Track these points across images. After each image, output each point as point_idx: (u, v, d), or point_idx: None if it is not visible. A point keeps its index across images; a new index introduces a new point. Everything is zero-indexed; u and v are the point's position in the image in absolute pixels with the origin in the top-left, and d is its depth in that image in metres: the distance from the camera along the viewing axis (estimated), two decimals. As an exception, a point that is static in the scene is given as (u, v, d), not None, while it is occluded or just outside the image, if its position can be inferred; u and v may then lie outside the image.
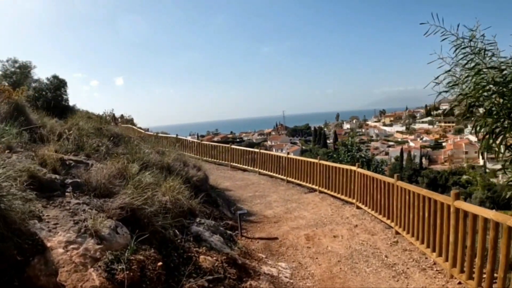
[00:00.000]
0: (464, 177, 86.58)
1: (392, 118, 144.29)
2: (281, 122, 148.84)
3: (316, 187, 12.85)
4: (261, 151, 17.19)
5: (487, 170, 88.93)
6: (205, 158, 20.79)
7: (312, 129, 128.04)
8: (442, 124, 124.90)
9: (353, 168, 10.64)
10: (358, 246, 7.73)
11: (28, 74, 32.69)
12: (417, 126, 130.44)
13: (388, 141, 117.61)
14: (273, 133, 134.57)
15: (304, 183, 13.76)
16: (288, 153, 15.34)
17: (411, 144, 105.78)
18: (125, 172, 6.84)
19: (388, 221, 8.63)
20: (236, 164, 18.80)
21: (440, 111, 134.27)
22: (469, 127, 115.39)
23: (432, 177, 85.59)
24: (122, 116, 44.36)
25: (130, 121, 39.63)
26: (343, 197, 11.29)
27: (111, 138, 11.23)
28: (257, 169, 17.24)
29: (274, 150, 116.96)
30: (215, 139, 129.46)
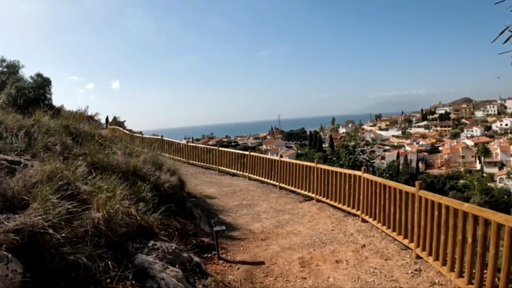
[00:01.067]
0: (461, 181, 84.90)
1: (388, 123, 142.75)
2: (276, 126, 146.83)
3: (313, 195, 10.97)
4: (251, 153, 15.28)
5: (484, 175, 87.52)
6: (192, 162, 18.92)
7: (308, 133, 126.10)
8: (438, 128, 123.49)
9: (358, 173, 8.77)
10: (369, 276, 5.81)
11: (16, 74, 30.87)
12: (413, 130, 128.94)
13: (384, 145, 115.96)
14: (269, 137, 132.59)
15: (299, 190, 11.87)
16: (280, 156, 13.43)
17: (408, 148, 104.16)
18: (61, 176, 4.97)
19: (406, 241, 6.74)
20: (224, 168, 16.89)
21: (436, 115, 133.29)
22: (465, 131, 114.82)
23: (429, 181, 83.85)
24: (114, 118, 42.43)
25: (119, 123, 37.73)
26: (345, 207, 9.40)
27: (75, 137, 9.38)
28: (246, 174, 15.34)
29: (269, 154, 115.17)
30: (210, 142, 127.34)
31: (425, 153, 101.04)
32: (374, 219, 8.02)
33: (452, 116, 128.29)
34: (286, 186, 12.64)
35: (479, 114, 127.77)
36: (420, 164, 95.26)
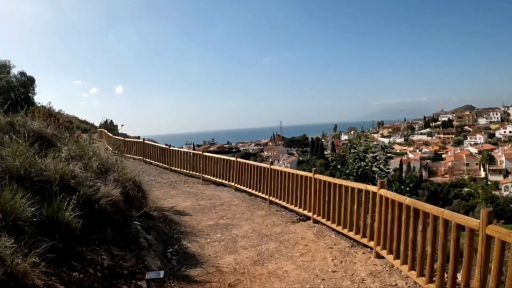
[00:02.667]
0: (466, 189, 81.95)
1: (390, 130, 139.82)
2: (278, 133, 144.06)
3: (310, 214, 8.33)
4: (238, 159, 12.63)
5: (489, 183, 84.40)
6: (175, 169, 16.36)
7: (310, 140, 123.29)
8: (441, 135, 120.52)
9: (372, 188, 6.13)
10: None
11: (8, 73, 28.68)
12: (415, 137, 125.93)
13: (387, 152, 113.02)
14: (270, 144, 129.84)
15: (292, 207, 9.23)
16: (271, 163, 10.79)
17: (410, 155, 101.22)
18: None
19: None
20: (209, 177, 14.27)
21: (439, 123, 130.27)
22: (469, 138, 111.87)
23: (432, 189, 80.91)
24: (106, 122, 39.99)
25: (110, 127, 35.23)
26: (352, 234, 6.75)
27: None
28: (233, 184, 12.72)
29: (270, 160, 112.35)
30: (211, 148, 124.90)
31: (428, 161, 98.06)
32: (397, 257, 5.36)
33: (455, 123, 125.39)
34: (277, 201, 10.00)
35: (482, 121, 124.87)
36: (423, 172, 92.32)
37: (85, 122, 45.61)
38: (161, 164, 17.36)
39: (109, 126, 32.29)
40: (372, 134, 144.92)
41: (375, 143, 9.24)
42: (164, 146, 17.46)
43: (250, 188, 11.61)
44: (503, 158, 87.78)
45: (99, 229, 5.74)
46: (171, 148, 16.85)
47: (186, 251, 6.87)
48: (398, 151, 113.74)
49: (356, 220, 6.56)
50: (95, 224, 5.68)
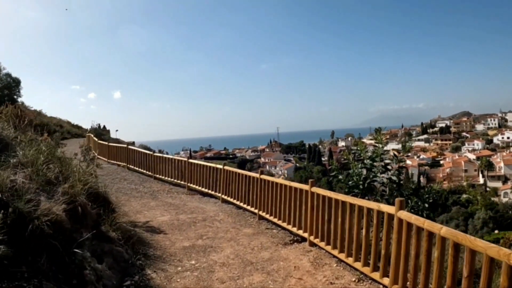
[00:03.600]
0: (464, 196, 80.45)
1: (387, 136, 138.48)
2: (275, 139, 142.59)
3: (306, 235, 6.82)
4: (225, 168, 11.13)
5: (488, 189, 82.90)
6: (159, 176, 14.86)
7: (307, 146, 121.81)
8: (439, 142, 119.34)
9: (388, 209, 4.64)
10: None
11: None
12: (413, 144, 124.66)
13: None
14: (267, 150, 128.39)
15: (285, 225, 7.74)
16: (261, 172, 9.29)
17: (408, 162, 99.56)
18: None
19: None
20: (194, 186, 12.77)
21: (436, 129, 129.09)
22: (466, 145, 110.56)
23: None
24: (99, 126, 38.47)
25: (100, 131, 33.71)
26: (359, 265, 5.24)
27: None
28: (219, 195, 11.23)
29: (267, 167, 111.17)
30: (208, 155, 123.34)
31: (426, 167, 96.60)
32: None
33: (453, 129, 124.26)
34: (267, 217, 8.51)
35: (479, 127, 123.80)
36: (421, 178, 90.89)
37: (77, 126, 44.09)
38: (145, 171, 15.86)
39: (99, 130, 30.67)
40: (367, 141, 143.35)
41: (387, 148, 7.68)
42: (147, 152, 15.96)
43: (238, 200, 10.12)
44: (501, 164, 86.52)
45: (33, 257, 4.29)
46: (155, 154, 15.34)
47: (148, 285, 5.37)
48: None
49: (364, 248, 5.06)
50: (27, 250, 4.23)
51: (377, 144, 7.18)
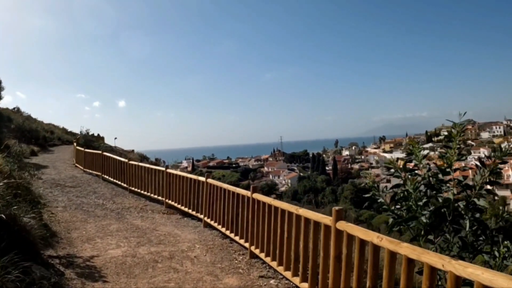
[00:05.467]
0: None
1: (392, 145, 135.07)
2: (278, 148, 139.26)
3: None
4: (209, 181, 8.07)
5: (496, 198, 79.41)
6: (134, 189, 11.97)
7: (311, 155, 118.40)
8: (444, 150, 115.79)
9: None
10: None
11: None
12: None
13: (390, 168, 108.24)
14: (270, 159, 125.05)
15: (289, 276, 4.72)
16: (254, 189, 6.21)
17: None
18: None
19: None
20: (173, 203, 9.85)
21: (441, 137, 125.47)
22: (472, 153, 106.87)
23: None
24: (88, 133, 35.31)
25: (91, 138, 30.80)
26: None
27: None
28: (202, 216, 8.26)
29: (271, 176, 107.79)
30: (211, 164, 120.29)
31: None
32: None
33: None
34: (263, 257, 5.51)
35: (484, 135, 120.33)
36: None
37: (71, 133, 41.33)
38: (120, 182, 12.95)
39: (89, 137, 27.66)
40: (371, 150, 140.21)
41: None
42: (122, 159, 13.01)
43: (223, 226, 7.16)
44: (510, 172, 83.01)
45: None
46: (130, 162, 12.37)
47: None
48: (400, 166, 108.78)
49: None
50: None
51: (450, 145, 4.10)
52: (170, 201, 10.02)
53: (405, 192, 4.05)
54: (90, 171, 15.62)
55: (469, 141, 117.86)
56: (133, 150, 46.60)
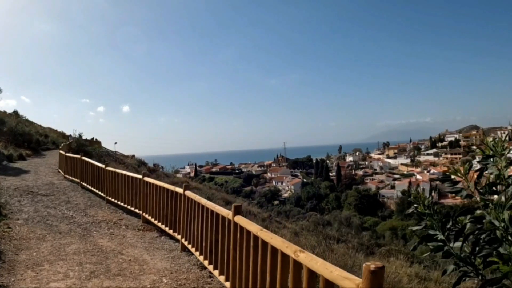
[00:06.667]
0: (479, 211, 74.54)
1: (396, 150, 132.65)
2: (282, 154, 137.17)
3: None
4: (187, 193, 6.25)
5: (504, 205, 76.86)
6: (111, 199, 10.32)
7: (314, 161, 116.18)
8: (448, 156, 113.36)
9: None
10: None
11: None
12: (422, 158, 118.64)
13: (393, 173, 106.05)
14: (274, 165, 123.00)
15: None
16: (236, 210, 4.35)
17: (418, 177, 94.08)
18: None
19: None
20: (150, 218, 8.14)
21: (445, 143, 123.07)
22: (477, 158, 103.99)
23: (445, 213, 73.54)
24: (86, 139, 33.62)
25: (84, 142, 28.90)
26: None
27: None
28: (179, 237, 6.50)
29: (274, 182, 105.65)
30: (214, 169, 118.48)
31: (438, 182, 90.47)
32: None
33: (462, 143, 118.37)
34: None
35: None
36: (433, 194, 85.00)
37: (67, 136, 39.86)
38: (97, 191, 11.25)
39: (82, 141, 25.70)
40: (375, 156, 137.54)
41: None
42: (99, 165, 11.28)
43: (202, 254, 5.38)
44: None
45: None
46: (107, 168, 10.62)
47: None
48: (405, 172, 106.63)
49: None
50: None
51: None
52: (147, 215, 8.30)
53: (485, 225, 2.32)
54: (70, 177, 13.93)
55: (474, 147, 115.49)
56: (133, 155, 44.94)
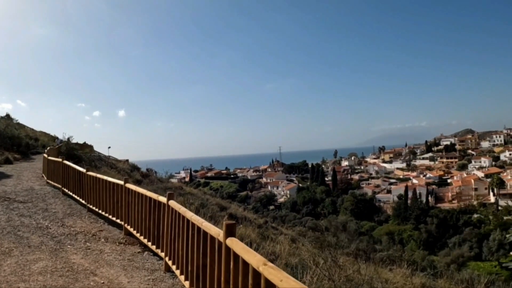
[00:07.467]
0: (475, 215, 74.09)
1: (391, 155, 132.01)
2: (277, 159, 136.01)
3: None
4: (172, 203, 5.25)
5: (500, 208, 76.17)
6: (92, 207, 9.28)
7: (310, 166, 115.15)
8: (444, 160, 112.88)
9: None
10: None
11: None
12: (417, 162, 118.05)
13: (389, 178, 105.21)
14: (269, 170, 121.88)
15: None
16: (227, 230, 3.36)
17: (414, 181, 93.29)
18: None
19: None
20: (133, 231, 7.08)
21: (441, 147, 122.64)
22: (473, 162, 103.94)
23: (441, 217, 72.72)
24: (77, 143, 32.28)
25: (75, 146, 27.73)
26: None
27: None
28: (163, 255, 5.44)
29: (269, 187, 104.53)
30: (209, 174, 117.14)
31: (434, 186, 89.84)
32: None
33: (458, 147, 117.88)
34: None
35: (485, 144, 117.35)
36: (429, 198, 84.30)
37: (55, 139, 38.64)
38: (79, 198, 10.19)
39: (72, 145, 24.40)
40: (370, 160, 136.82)
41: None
42: (80, 169, 10.21)
43: (187, 279, 4.34)
44: (522, 181, 79.92)
45: None
46: (88, 173, 9.55)
47: None
48: (400, 176, 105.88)
49: None
50: None
51: None
52: (129, 227, 7.26)
53: None
54: (52, 183, 12.86)
55: (469, 151, 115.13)
56: (127, 160, 43.65)
